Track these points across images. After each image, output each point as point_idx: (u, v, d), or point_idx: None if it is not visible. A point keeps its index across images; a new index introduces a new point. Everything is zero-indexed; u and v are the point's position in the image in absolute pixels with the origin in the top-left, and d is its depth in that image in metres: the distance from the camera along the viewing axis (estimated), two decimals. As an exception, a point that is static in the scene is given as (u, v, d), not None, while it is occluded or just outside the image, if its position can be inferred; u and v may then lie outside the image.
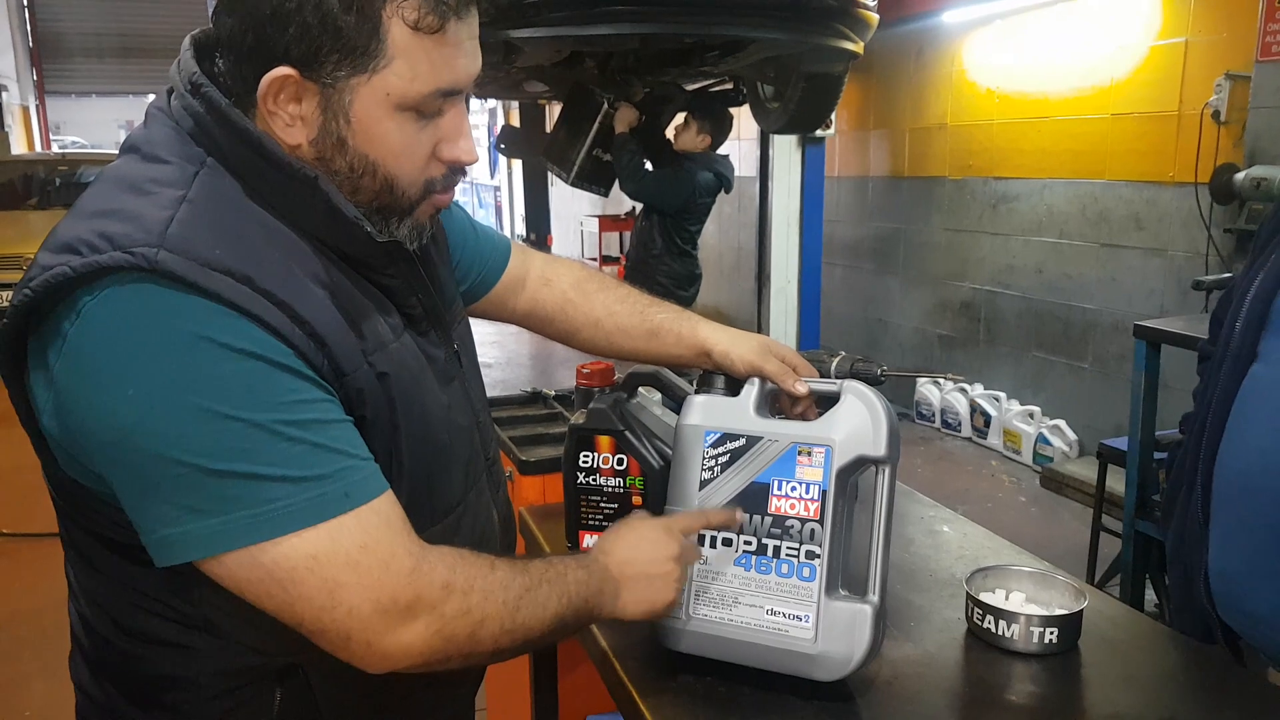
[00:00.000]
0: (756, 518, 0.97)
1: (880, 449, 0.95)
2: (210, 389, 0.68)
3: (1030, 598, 1.12)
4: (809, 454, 0.96)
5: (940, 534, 1.39)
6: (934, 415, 5.06)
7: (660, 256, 4.03)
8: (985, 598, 1.09)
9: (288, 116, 0.77)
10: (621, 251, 9.08)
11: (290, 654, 0.81)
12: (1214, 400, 1.12)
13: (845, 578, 0.97)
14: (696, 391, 1.08)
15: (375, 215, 0.82)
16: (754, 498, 0.97)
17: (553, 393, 2.19)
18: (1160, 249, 3.88)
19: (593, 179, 4.04)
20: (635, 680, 0.98)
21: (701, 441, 1.01)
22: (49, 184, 8.21)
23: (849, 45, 3.37)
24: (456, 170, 0.84)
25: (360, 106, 0.76)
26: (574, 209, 9.89)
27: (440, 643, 0.75)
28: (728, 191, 4.17)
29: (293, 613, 0.72)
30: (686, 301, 4.09)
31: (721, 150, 4.26)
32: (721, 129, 4.05)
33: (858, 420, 0.96)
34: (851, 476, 0.97)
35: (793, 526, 0.95)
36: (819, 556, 0.94)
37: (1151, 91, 3.82)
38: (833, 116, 4.35)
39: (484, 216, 14.01)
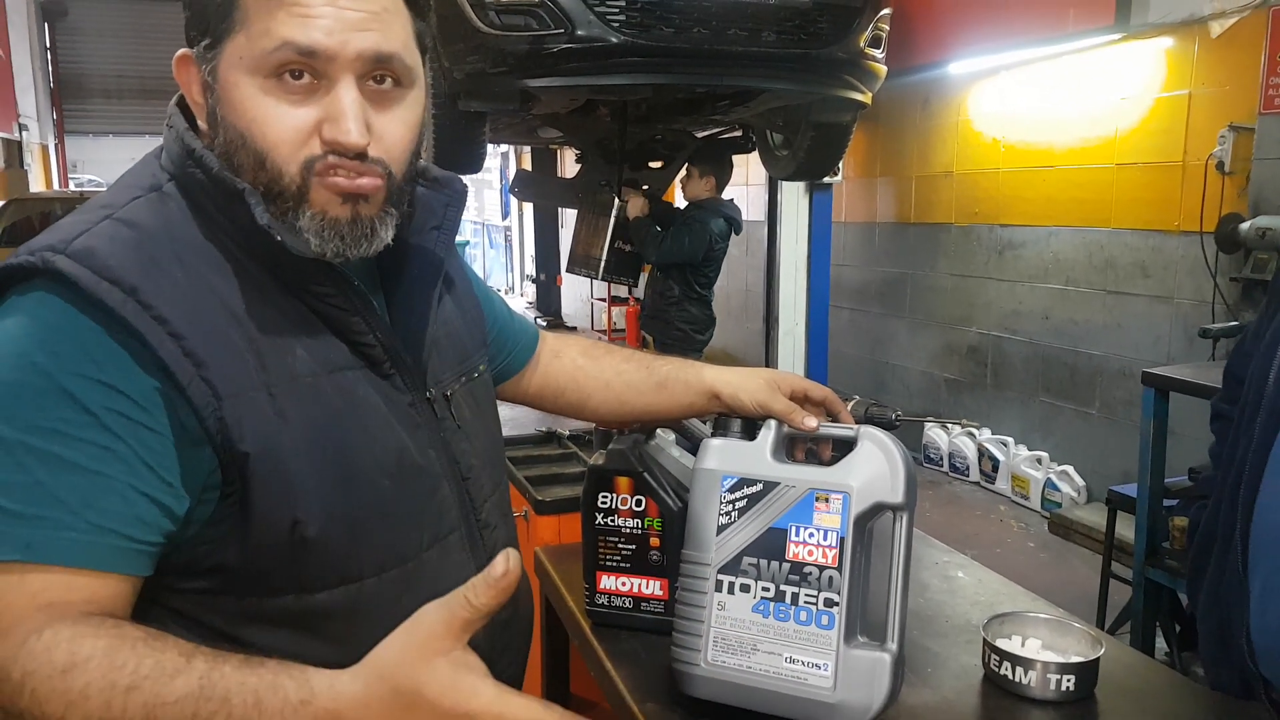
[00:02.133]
0: (774, 564, 0.97)
1: (898, 496, 0.96)
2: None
3: (1046, 644, 1.12)
4: (826, 500, 0.96)
5: (955, 579, 1.40)
6: (942, 459, 5.05)
7: (678, 303, 4.12)
8: (1002, 644, 1.09)
9: (196, 105, 0.79)
10: (630, 293, 9.15)
11: None
12: (1249, 454, 1.13)
13: (863, 624, 0.98)
14: (713, 435, 1.09)
15: (273, 205, 0.77)
16: (771, 543, 0.97)
17: (567, 433, 2.21)
18: (1166, 296, 3.91)
19: (619, 270, 4.26)
20: (655, 724, 0.98)
21: (719, 486, 1.01)
22: (65, 221, 8.36)
23: (857, 96, 3.44)
24: (339, 152, 0.76)
25: (222, 74, 0.76)
26: (582, 250, 9.99)
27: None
28: (737, 234, 4.26)
29: None
30: (703, 345, 4.19)
31: (729, 195, 4.34)
32: (725, 173, 4.20)
33: (875, 467, 0.96)
34: (869, 523, 0.98)
35: (810, 573, 0.96)
36: (837, 604, 0.94)
37: (1156, 142, 3.88)
38: (840, 164, 4.44)
39: (496, 256, 14.12)
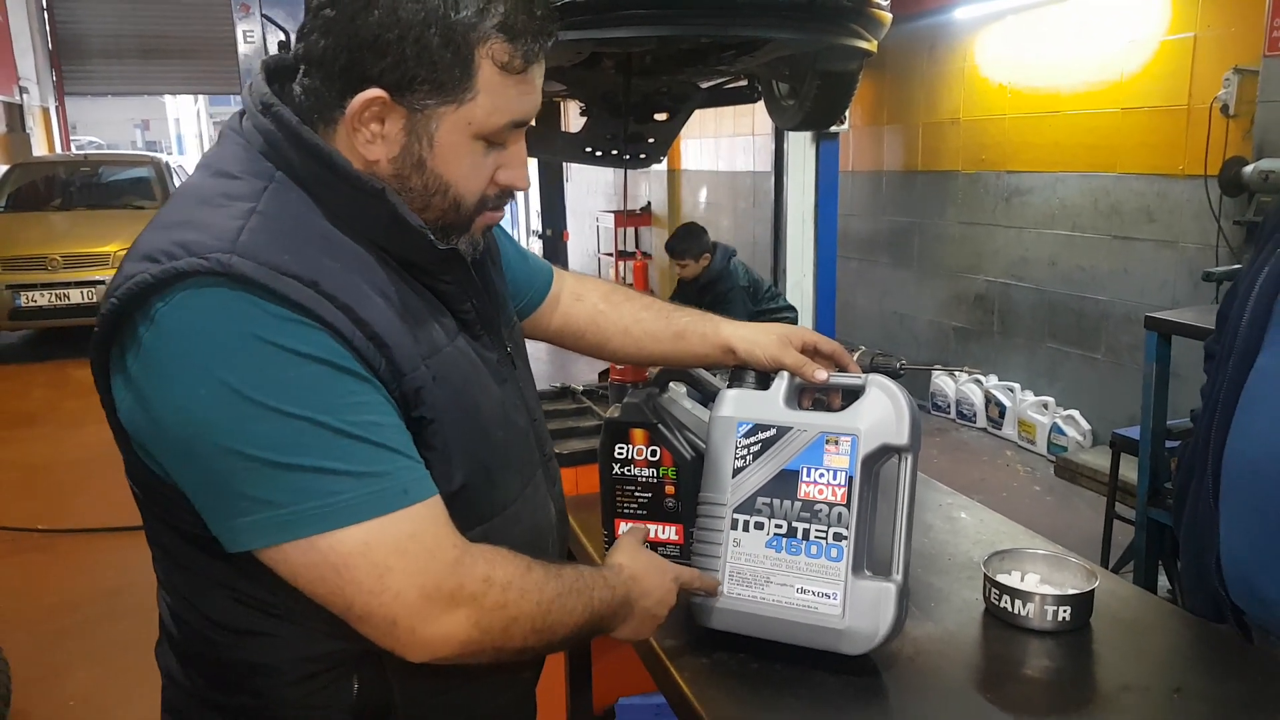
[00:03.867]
0: (787, 503, 1.04)
1: (903, 438, 1.01)
2: (279, 391, 0.74)
3: (1045, 579, 1.18)
4: (836, 443, 1.02)
5: (958, 520, 1.45)
6: (949, 406, 5.11)
7: None
8: (1002, 579, 1.15)
9: (369, 134, 0.83)
10: (637, 247, 9.14)
11: (366, 640, 0.85)
12: (1222, 391, 1.18)
13: (870, 561, 1.04)
14: (729, 386, 1.14)
15: (438, 230, 0.88)
16: (784, 484, 1.04)
17: (580, 388, 2.26)
18: (1171, 241, 3.92)
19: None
20: (673, 658, 1.05)
21: (735, 432, 1.08)
22: (70, 185, 8.30)
23: (863, 44, 3.41)
24: (508, 193, 0.91)
25: (444, 133, 0.83)
26: (590, 205, 9.96)
27: (478, 634, 0.80)
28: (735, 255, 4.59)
29: (343, 597, 0.77)
30: None
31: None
32: (703, 243, 4.40)
33: (882, 411, 1.02)
34: (876, 464, 1.03)
35: (821, 510, 1.02)
36: (846, 538, 1.01)
37: (1161, 86, 3.86)
38: (847, 113, 4.41)
39: (498, 213, 14.06)
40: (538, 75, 0.86)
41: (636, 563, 0.99)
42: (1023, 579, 1.18)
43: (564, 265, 10.02)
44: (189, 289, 0.74)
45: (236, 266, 0.75)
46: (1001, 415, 4.76)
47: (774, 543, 1.04)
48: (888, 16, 3.49)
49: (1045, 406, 4.54)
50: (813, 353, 1.16)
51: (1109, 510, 2.97)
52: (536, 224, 11.20)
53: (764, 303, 4.35)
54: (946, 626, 1.12)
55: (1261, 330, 1.14)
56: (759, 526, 1.04)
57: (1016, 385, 4.77)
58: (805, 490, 1.03)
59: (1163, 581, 2.69)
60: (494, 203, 0.91)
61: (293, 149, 0.83)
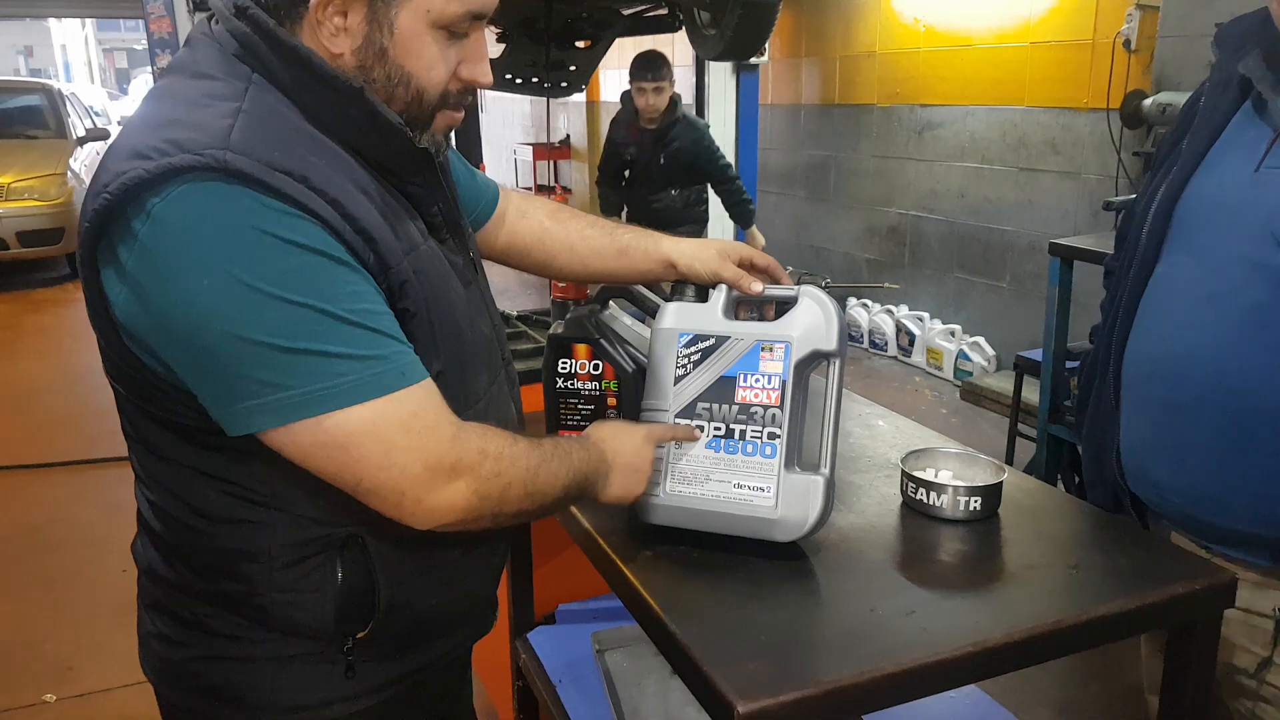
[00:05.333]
0: (725, 406, 1.09)
1: (832, 344, 1.08)
2: (281, 279, 0.77)
3: (956, 475, 1.27)
4: (770, 350, 1.08)
5: (875, 427, 1.54)
6: (862, 336, 5.29)
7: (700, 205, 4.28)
8: (917, 474, 1.24)
9: (333, 27, 0.84)
10: (555, 181, 9.02)
11: (350, 525, 0.90)
12: (1122, 299, 1.28)
13: (800, 460, 1.11)
14: (670, 298, 1.19)
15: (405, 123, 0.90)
16: (722, 389, 1.09)
17: (515, 313, 2.28)
18: (1074, 172, 4.10)
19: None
20: (618, 551, 1.10)
21: (676, 342, 1.12)
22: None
23: (784, -28, 3.42)
24: (469, 90, 0.93)
25: (403, 21, 0.85)
26: (507, 137, 9.76)
27: (477, 501, 0.86)
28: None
29: (352, 473, 0.81)
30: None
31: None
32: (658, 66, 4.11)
33: (813, 319, 1.08)
34: (808, 369, 1.10)
35: (756, 413, 1.08)
36: (779, 437, 1.07)
37: (1068, 21, 3.99)
38: (766, 44, 4.42)
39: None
40: None
41: (605, 428, 1.06)
42: (937, 475, 1.27)
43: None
44: (186, 184, 0.76)
45: (232, 162, 0.76)
46: (911, 343, 4.96)
47: (713, 444, 1.09)
48: (808, -55, 3.50)
49: (952, 334, 4.74)
50: (749, 267, 1.21)
51: (1012, 428, 3.16)
52: (452, 158, 10.94)
53: (725, 181, 4.17)
54: (868, 518, 1.20)
55: (1159, 242, 1.24)
56: (699, 430, 1.10)
57: (925, 314, 4.97)
58: (742, 394, 1.08)
59: (1060, 490, 2.88)
60: (455, 99, 0.92)
61: (270, 51, 0.84)
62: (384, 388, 0.81)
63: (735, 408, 1.09)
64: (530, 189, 8.91)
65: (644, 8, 4.44)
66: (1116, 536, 1.18)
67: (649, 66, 3.99)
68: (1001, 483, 1.21)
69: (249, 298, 0.76)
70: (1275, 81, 1.16)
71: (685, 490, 1.10)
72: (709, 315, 1.13)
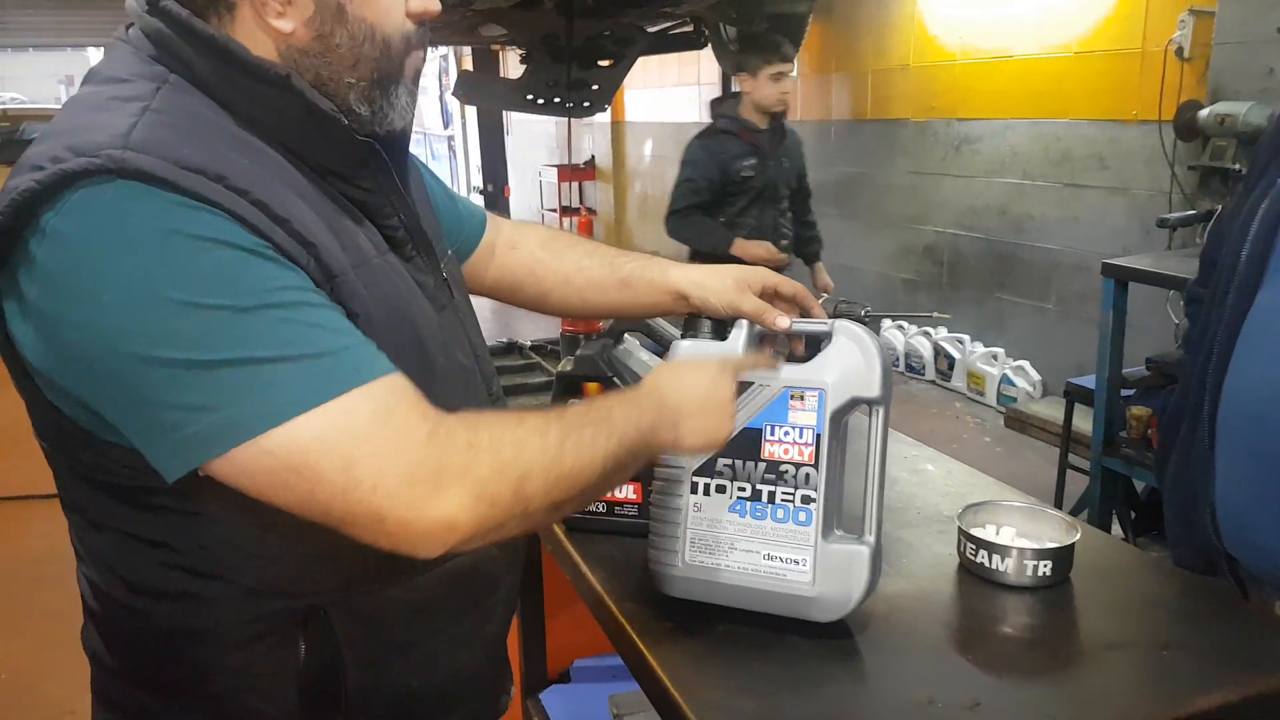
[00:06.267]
0: (750, 464, 0.95)
1: (874, 390, 0.93)
2: (188, 282, 0.65)
3: (1021, 531, 1.11)
4: (801, 398, 0.94)
5: (924, 472, 1.38)
6: (898, 359, 5.10)
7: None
8: (976, 532, 1.08)
9: (278, 4, 0.75)
10: (581, 202, 8.95)
11: (310, 595, 0.78)
12: (1219, 332, 1.12)
13: (840, 517, 0.96)
14: (683, 336, 1.05)
15: (376, 89, 0.80)
16: (746, 443, 0.95)
17: (528, 343, 2.15)
18: (1123, 188, 3.90)
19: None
20: (634, 622, 0.96)
21: None
22: (-12, 142, 7.89)
23: (814, -18, 3.31)
24: (425, 28, 0.84)
25: None
26: (532, 158, 9.73)
27: (486, 508, 0.69)
28: None
29: (315, 501, 0.67)
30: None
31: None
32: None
33: (850, 361, 0.94)
34: (845, 418, 0.95)
35: (787, 471, 0.93)
36: (814, 500, 0.93)
37: (1115, 28, 3.81)
38: (795, 59, 4.30)
39: (438, 168, 13.72)
40: None
41: (661, 372, 0.90)
42: (998, 532, 1.11)
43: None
44: (80, 190, 0.66)
45: (132, 161, 0.66)
46: (950, 367, 4.76)
47: (738, 507, 0.95)
48: (839, -46, 3.38)
49: (994, 358, 4.54)
50: (772, 296, 1.06)
51: (1062, 461, 2.97)
52: (477, 179, 10.95)
53: (806, 199, 3.42)
54: (920, 583, 1.05)
55: (1261, 266, 1.08)
56: (721, 490, 0.95)
57: (966, 336, 4.78)
58: (770, 450, 0.94)
59: (1116, 530, 2.69)
60: (417, 39, 0.83)
61: (186, 45, 0.74)
62: (331, 389, 0.67)
63: (762, 465, 0.94)
64: (555, 210, 8.85)
65: (668, 24, 4.36)
66: (1213, 608, 1.01)
67: (774, 46, 3.03)
68: (1074, 545, 1.05)
69: (154, 309, 0.64)
70: None
71: (708, 560, 0.95)
72: (728, 356, 0.98)
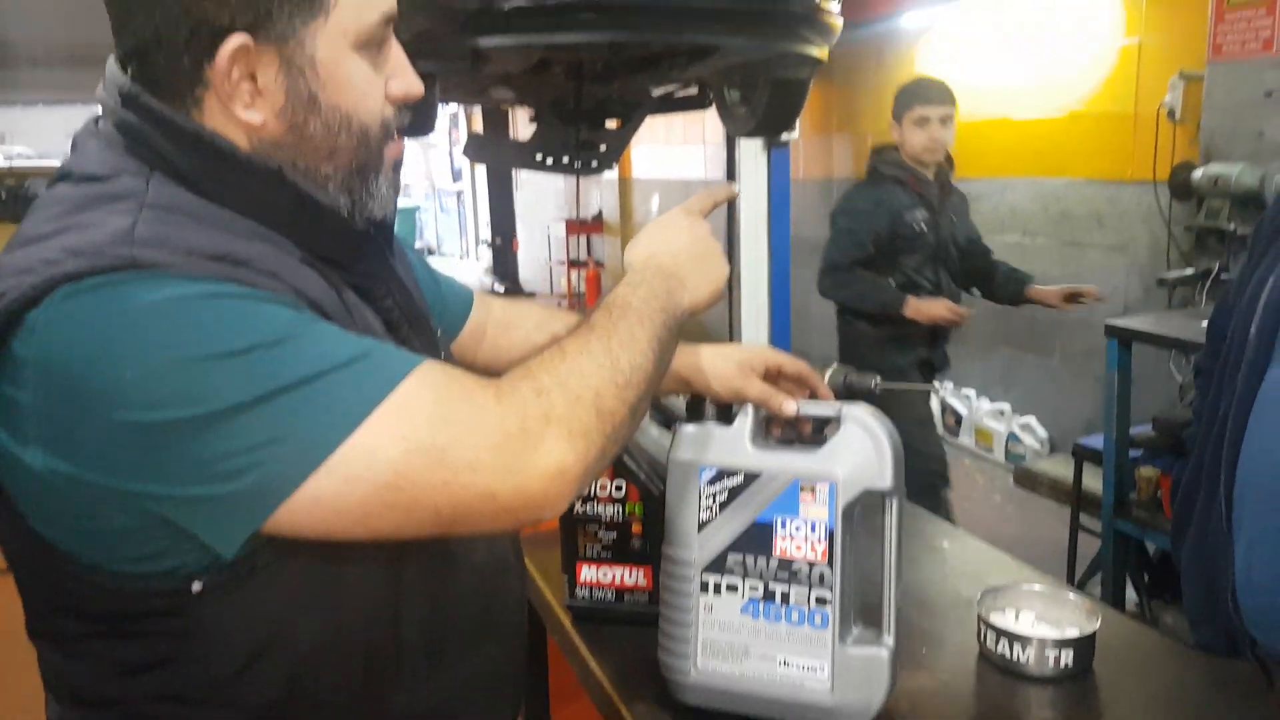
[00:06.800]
0: (761, 560, 0.93)
1: (886, 481, 0.91)
2: (212, 336, 0.63)
3: (1040, 616, 1.11)
4: (812, 490, 0.92)
5: (941, 550, 1.38)
6: (904, 414, 5.09)
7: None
8: (996, 619, 1.07)
9: (246, 95, 0.72)
10: (589, 255, 9.01)
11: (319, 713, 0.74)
12: (1231, 409, 1.12)
13: (857, 609, 0.95)
14: (687, 419, 1.04)
15: (355, 178, 0.78)
16: (757, 539, 0.93)
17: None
18: (1121, 246, 3.93)
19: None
20: (647, 725, 0.95)
21: (697, 479, 0.96)
22: (-5, 197, 7.98)
23: (814, 51, 3.38)
24: (404, 109, 0.81)
25: (324, 53, 0.72)
26: (541, 212, 9.82)
27: (582, 441, 0.68)
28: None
29: (422, 509, 0.65)
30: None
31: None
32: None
33: (860, 451, 0.92)
34: (858, 510, 0.94)
35: (800, 570, 0.92)
36: (830, 602, 0.91)
37: (1108, 91, 3.88)
38: (797, 121, 4.37)
39: (448, 222, 13.85)
40: None
41: (638, 244, 0.89)
42: (1017, 617, 1.10)
43: (514, 274, 9.71)
44: (84, 292, 0.62)
45: (145, 257, 0.63)
46: (958, 423, 4.75)
47: (750, 608, 0.93)
48: (839, 24, 3.45)
49: (1001, 414, 4.53)
50: (776, 376, 1.06)
51: (1073, 523, 2.94)
52: (486, 232, 11.05)
53: (984, 253, 3.00)
54: (940, 677, 1.04)
55: (1271, 342, 1.08)
56: (732, 589, 0.94)
57: (972, 392, 4.77)
58: (781, 546, 0.92)
59: (1130, 594, 2.66)
60: (395, 124, 0.80)
61: (167, 141, 0.71)
62: (386, 384, 0.65)
63: (774, 563, 0.92)
64: (563, 263, 8.90)
65: (674, 87, 4.43)
66: (1242, 697, 1.00)
67: (932, 89, 2.81)
68: (1095, 633, 1.04)
69: (185, 370, 0.61)
70: None
71: (722, 668, 0.93)
72: (734, 444, 0.96)
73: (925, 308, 2.69)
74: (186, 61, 0.70)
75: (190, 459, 0.62)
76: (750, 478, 0.94)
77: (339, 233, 0.77)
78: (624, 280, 0.83)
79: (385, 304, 0.82)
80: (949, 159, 2.83)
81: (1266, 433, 1.08)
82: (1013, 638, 1.03)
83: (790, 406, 0.99)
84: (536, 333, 1.11)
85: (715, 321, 6.56)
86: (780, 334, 5.14)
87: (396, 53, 0.79)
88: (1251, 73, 3.10)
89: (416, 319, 0.87)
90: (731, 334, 5.34)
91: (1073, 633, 1.05)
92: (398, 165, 0.82)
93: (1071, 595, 1.12)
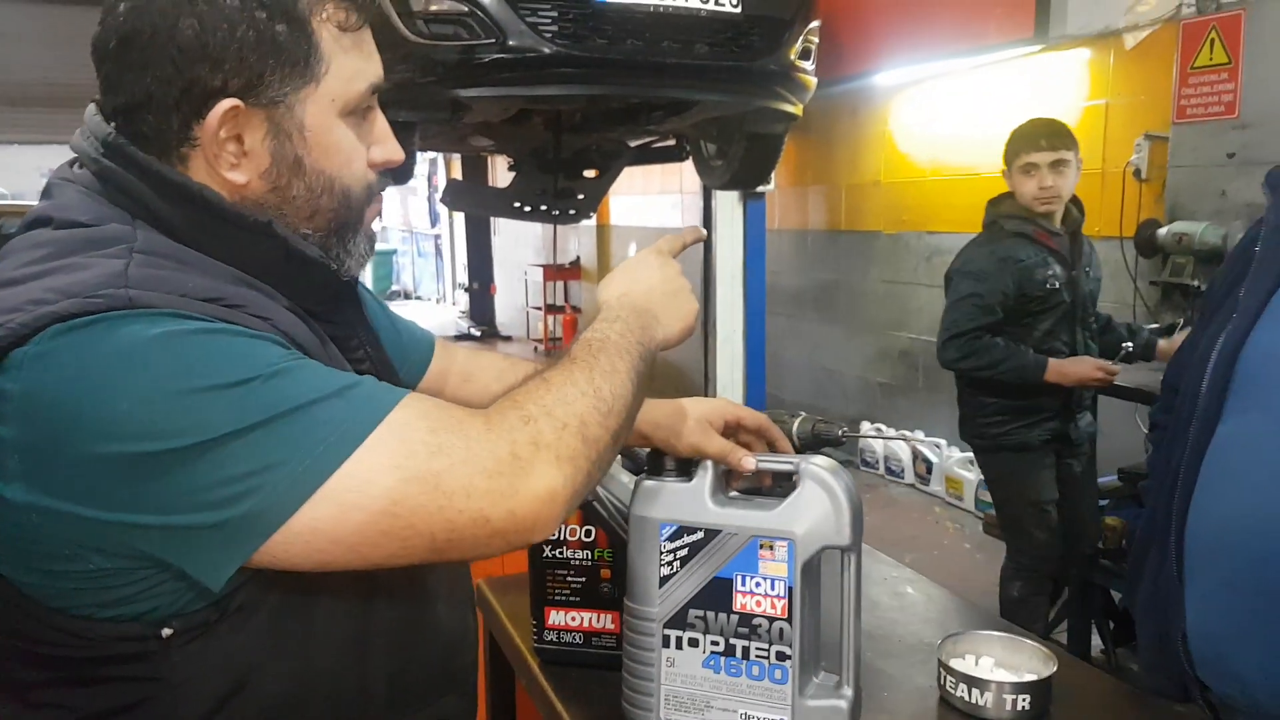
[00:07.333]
0: (722, 616, 0.94)
1: (844, 537, 0.93)
2: (208, 368, 0.64)
3: (1000, 662, 1.12)
4: (771, 548, 0.93)
5: (905, 595, 1.40)
6: (878, 462, 5.13)
7: None
8: (956, 664, 1.09)
9: (232, 156, 0.74)
10: (566, 300, 9.07)
11: None
12: (1183, 462, 1.16)
13: (817, 655, 0.97)
14: (647, 473, 1.02)
15: (334, 238, 0.80)
16: (717, 594, 0.94)
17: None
18: (1089, 300, 4.02)
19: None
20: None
21: (657, 535, 0.97)
22: (-33, 236, 7.92)
23: (789, 107, 3.48)
24: (385, 173, 0.84)
25: (312, 118, 0.75)
26: (518, 257, 9.90)
27: (569, 466, 0.71)
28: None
29: (418, 535, 0.67)
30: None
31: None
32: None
33: (819, 509, 0.93)
34: (817, 565, 0.95)
35: (760, 625, 0.93)
36: (790, 658, 0.92)
37: (1075, 150, 4.00)
38: (772, 173, 4.47)
39: (425, 266, 13.90)
40: (369, 32, 0.80)
41: (612, 281, 0.93)
42: (977, 663, 1.12)
43: (491, 319, 9.70)
44: (76, 331, 0.62)
45: (140, 299, 0.64)
46: (929, 471, 4.79)
47: (712, 662, 0.94)
48: (813, 81, 3.56)
49: (971, 462, 4.57)
50: (736, 429, 1.07)
51: (1041, 570, 2.96)
52: (464, 277, 11.09)
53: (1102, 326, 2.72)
54: (901, 719, 1.05)
55: (1221, 398, 1.12)
56: (694, 643, 0.95)
57: (943, 441, 4.82)
58: (741, 602, 0.94)
59: (1096, 641, 2.68)
60: (377, 188, 0.83)
61: (153, 192, 0.72)
62: (379, 411, 0.67)
63: (735, 618, 0.94)
64: (540, 308, 8.95)
65: (651, 139, 4.52)
66: (1190, 743, 1.02)
67: (1040, 133, 2.49)
68: (1051, 677, 1.06)
69: (178, 403, 0.62)
70: None
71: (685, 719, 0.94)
72: (694, 500, 0.97)
73: (1071, 369, 2.43)
74: (175, 120, 0.72)
75: (183, 488, 0.62)
76: (710, 534, 0.95)
77: (323, 285, 0.80)
78: (600, 316, 0.86)
79: (358, 354, 0.85)
80: (1079, 207, 2.59)
81: (1216, 486, 1.12)
82: (972, 682, 1.05)
83: (749, 462, 1.00)
84: (496, 384, 1.09)
85: (692, 368, 6.61)
86: (755, 381, 5.20)
87: (380, 120, 0.82)
88: (1214, 134, 3.22)
89: (385, 370, 0.89)
90: (707, 380, 5.38)
91: (1030, 677, 1.07)
92: (372, 221, 0.85)
93: (1029, 641, 1.14)
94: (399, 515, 0.66)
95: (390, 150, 0.82)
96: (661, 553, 0.96)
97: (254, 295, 0.72)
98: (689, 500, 0.97)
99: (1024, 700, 1.04)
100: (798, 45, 3.31)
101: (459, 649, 0.90)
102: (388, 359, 0.91)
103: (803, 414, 1.41)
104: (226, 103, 0.71)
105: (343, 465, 0.64)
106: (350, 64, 0.76)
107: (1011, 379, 2.48)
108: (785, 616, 0.92)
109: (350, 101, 0.77)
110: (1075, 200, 2.58)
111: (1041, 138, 2.45)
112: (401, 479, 0.66)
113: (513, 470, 0.68)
